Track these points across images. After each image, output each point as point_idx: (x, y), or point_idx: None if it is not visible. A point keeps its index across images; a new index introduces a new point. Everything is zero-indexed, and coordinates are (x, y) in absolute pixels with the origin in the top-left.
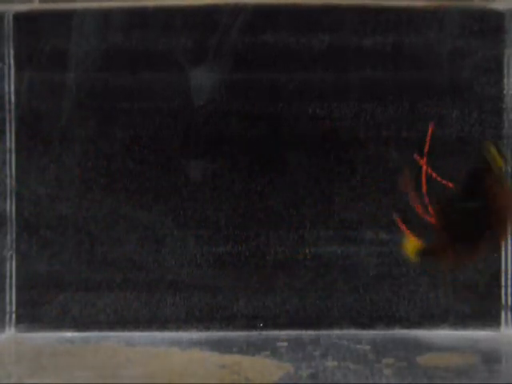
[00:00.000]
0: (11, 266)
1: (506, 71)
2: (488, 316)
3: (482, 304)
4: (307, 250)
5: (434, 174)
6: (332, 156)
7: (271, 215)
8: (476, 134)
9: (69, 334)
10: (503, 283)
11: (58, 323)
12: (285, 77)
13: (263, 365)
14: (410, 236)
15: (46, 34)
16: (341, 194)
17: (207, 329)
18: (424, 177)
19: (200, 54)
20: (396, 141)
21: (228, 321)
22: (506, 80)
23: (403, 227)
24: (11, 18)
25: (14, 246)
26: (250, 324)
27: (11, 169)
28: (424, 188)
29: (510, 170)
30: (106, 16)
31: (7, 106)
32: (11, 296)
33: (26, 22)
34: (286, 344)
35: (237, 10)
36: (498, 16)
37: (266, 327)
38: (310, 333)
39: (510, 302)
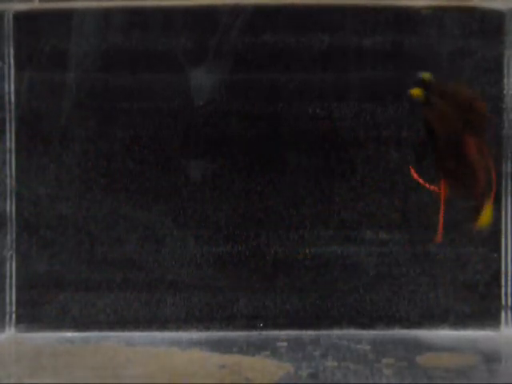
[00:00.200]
0: (11, 266)
1: (505, 71)
2: (488, 316)
3: (481, 304)
4: (307, 250)
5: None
6: (332, 156)
7: (271, 215)
8: None
9: (69, 334)
10: (503, 283)
11: (58, 323)
12: (285, 77)
13: (263, 365)
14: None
15: (46, 33)
16: (341, 194)
17: (207, 329)
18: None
19: (200, 54)
20: (396, 141)
21: (228, 321)
22: (505, 80)
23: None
24: (11, 17)
25: (13, 245)
26: (249, 324)
27: (11, 169)
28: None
29: None
30: (105, 16)
31: (7, 106)
32: (11, 296)
33: (26, 22)
34: (285, 344)
35: (237, 10)
36: (499, 16)
37: (265, 327)
38: (310, 333)
39: (509, 302)
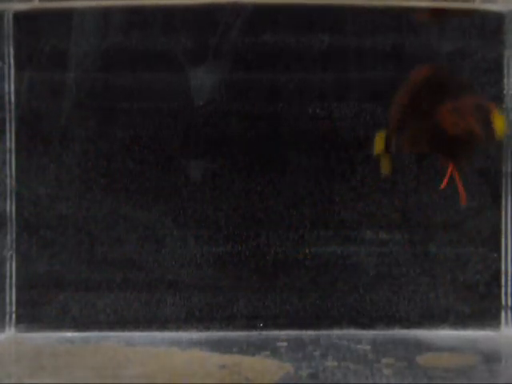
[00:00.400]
0: (11, 266)
1: (505, 71)
2: (488, 316)
3: (481, 304)
4: (307, 250)
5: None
6: (332, 156)
7: (271, 215)
8: None
9: (69, 334)
10: (503, 283)
11: (58, 323)
12: (285, 77)
13: (263, 365)
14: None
15: (46, 33)
16: (341, 194)
17: (207, 329)
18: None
19: (200, 54)
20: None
21: (228, 321)
22: (505, 80)
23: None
24: (11, 17)
25: (13, 246)
26: (249, 324)
27: (11, 169)
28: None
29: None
30: (105, 15)
31: (7, 106)
32: (11, 296)
33: (26, 21)
34: (285, 344)
35: (237, 9)
36: (498, 17)
37: (265, 327)
38: (310, 333)
39: (509, 302)
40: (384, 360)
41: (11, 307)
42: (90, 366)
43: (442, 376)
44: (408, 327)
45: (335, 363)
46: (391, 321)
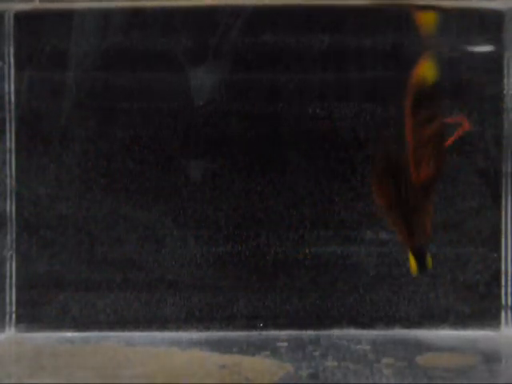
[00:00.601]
0: (11, 266)
1: (505, 71)
2: (488, 316)
3: (481, 304)
4: (307, 250)
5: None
6: (332, 156)
7: (271, 215)
8: (476, 134)
9: (69, 334)
10: (503, 283)
11: (58, 323)
12: (285, 77)
13: (263, 365)
14: None
15: (46, 33)
16: (341, 193)
17: (207, 329)
18: None
19: (200, 54)
20: (396, 141)
21: (228, 321)
22: (505, 80)
23: None
24: (12, 17)
25: (14, 245)
26: (249, 324)
27: (11, 169)
28: None
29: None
30: (105, 16)
31: (7, 106)
32: (11, 296)
33: (27, 22)
34: (286, 344)
35: (237, 10)
36: (498, 16)
37: (265, 327)
38: (310, 333)
39: (510, 302)
40: (384, 360)
41: (11, 307)
42: (90, 366)
43: (441, 376)
44: (408, 327)
45: (335, 363)
46: (391, 321)
